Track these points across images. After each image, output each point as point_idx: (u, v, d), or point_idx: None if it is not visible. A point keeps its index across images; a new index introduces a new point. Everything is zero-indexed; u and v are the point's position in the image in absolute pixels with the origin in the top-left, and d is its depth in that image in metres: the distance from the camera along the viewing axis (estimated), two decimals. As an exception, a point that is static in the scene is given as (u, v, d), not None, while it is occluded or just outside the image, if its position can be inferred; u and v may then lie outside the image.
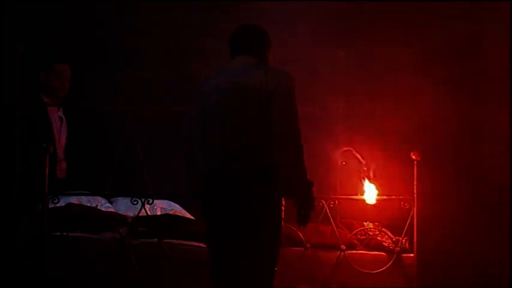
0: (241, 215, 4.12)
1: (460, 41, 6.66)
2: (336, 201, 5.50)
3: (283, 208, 4.21)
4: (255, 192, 4.12)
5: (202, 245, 4.91)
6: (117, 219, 5.40)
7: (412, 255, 5.50)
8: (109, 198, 5.91)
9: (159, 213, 5.62)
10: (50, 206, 5.24)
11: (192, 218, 5.62)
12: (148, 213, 5.38)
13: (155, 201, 5.52)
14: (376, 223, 5.84)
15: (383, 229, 5.71)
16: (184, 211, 5.81)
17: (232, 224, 4.14)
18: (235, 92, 4.16)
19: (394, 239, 5.59)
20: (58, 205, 5.31)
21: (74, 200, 5.52)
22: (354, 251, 5.53)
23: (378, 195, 5.76)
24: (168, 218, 5.42)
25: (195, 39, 6.80)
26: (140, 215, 5.34)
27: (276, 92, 4.09)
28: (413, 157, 5.55)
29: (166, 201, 5.86)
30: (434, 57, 6.61)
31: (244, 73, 4.20)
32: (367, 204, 5.77)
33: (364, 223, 5.82)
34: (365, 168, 5.89)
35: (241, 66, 4.26)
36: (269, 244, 4.17)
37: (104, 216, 5.41)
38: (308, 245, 5.44)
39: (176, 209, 5.79)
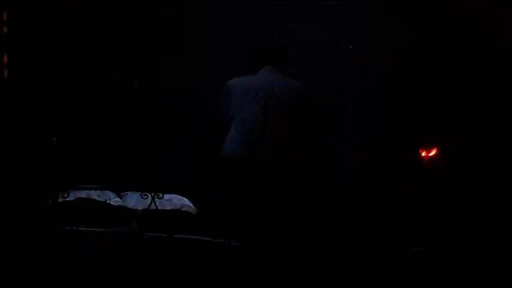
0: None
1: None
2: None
3: None
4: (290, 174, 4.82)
5: (211, 239, 4.98)
6: (126, 213, 5.39)
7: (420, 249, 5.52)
8: (118, 193, 5.90)
9: (168, 207, 5.60)
10: (60, 200, 5.24)
11: (200, 212, 5.62)
12: (158, 207, 5.36)
13: (164, 195, 5.50)
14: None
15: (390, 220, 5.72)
16: (193, 206, 5.79)
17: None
18: (281, 92, 4.86)
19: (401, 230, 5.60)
20: (68, 199, 5.31)
21: (83, 194, 5.52)
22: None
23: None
24: (177, 214, 5.42)
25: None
26: (150, 209, 5.34)
27: (312, 99, 4.96)
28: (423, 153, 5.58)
29: (176, 195, 5.85)
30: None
31: (281, 79, 4.93)
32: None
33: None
34: None
35: (275, 73, 4.96)
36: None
37: (114, 211, 5.40)
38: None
39: (185, 203, 5.77)
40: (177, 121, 6.50)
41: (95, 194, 5.64)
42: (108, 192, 5.78)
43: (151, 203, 5.29)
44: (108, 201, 5.64)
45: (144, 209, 5.38)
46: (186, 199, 5.83)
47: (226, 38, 6.71)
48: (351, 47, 6.59)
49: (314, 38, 6.68)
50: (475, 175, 6.44)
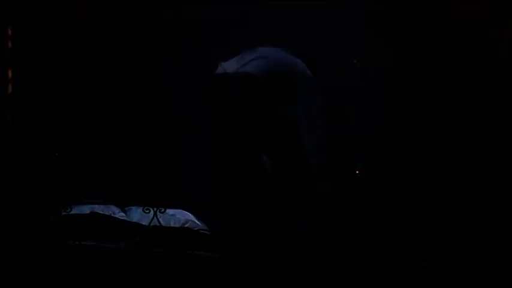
0: None
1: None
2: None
3: None
4: None
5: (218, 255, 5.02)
6: (132, 228, 5.39)
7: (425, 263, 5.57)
8: (123, 207, 5.90)
9: (172, 223, 5.60)
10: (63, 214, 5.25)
11: (206, 229, 5.62)
12: (162, 222, 5.37)
13: (168, 210, 5.51)
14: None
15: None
16: (198, 221, 5.79)
17: None
18: None
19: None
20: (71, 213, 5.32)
21: (87, 209, 5.52)
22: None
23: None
24: (182, 231, 5.43)
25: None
26: (154, 224, 5.35)
27: None
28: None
29: (179, 210, 5.85)
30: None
31: None
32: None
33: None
34: None
35: None
36: None
37: (120, 225, 5.40)
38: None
39: (189, 218, 5.76)
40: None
41: (98, 209, 5.62)
42: (112, 206, 5.77)
43: (153, 217, 5.29)
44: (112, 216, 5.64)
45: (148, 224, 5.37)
46: (190, 214, 5.80)
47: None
48: (355, 61, 6.59)
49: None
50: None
